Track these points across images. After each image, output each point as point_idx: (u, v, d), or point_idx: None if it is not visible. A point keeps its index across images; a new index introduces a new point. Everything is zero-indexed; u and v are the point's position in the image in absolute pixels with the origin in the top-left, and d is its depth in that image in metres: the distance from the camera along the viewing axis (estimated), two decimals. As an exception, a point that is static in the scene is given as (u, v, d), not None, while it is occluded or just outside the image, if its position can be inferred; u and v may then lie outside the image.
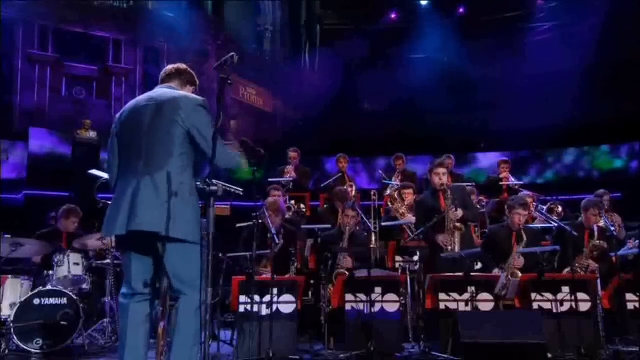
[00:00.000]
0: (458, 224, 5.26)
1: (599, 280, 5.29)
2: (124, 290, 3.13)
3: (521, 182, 8.66)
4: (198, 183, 2.70)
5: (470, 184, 8.01)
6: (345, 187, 7.61)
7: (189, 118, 3.03)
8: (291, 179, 7.98)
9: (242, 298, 4.74)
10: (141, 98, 3.24)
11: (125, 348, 3.02)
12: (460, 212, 5.29)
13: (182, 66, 3.39)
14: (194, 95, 3.23)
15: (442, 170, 5.46)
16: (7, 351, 4.95)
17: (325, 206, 7.79)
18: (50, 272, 5.42)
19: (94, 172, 4.26)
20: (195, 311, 2.95)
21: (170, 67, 3.39)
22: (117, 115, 3.27)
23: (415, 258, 5.48)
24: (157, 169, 2.98)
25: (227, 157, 3.02)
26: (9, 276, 5.37)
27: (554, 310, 4.90)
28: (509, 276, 5.08)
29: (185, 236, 2.94)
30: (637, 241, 6.12)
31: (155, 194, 2.93)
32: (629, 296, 5.26)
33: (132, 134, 3.12)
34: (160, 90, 3.24)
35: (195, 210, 3.00)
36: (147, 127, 3.08)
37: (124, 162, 3.13)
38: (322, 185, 8.45)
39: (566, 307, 4.93)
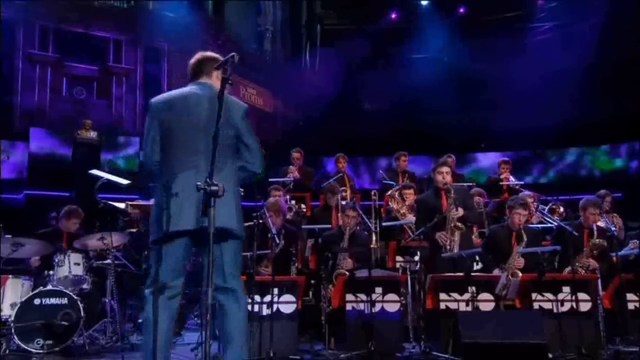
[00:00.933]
0: (459, 224, 5.27)
1: (599, 280, 5.29)
2: (159, 285, 3.11)
3: (521, 182, 8.65)
4: (199, 183, 2.69)
5: (471, 183, 8.02)
6: (334, 182, 7.57)
7: (239, 123, 3.18)
8: (292, 179, 7.98)
9: (243, 298, 4.74)
10: (187, 93, 3.20)
11: (157, 342, 3.04)
12: (461, 211, 5.29)
13: (200, 58, 3.34)
14: (241, 102, 3.32)
15: (445, 169, 5.47)
16: (7, 351, 4.95)
17: (325, 204, 7.79)
18: (51, 272, 5.42)
19: (95, 172, 4.27)
20: (246, 310, 3.21)
21: (192, 64, 3.34)
22: (161, 103, 3.21)
23: (416, 258, 5.47)
24: (220, 169, 3.02)
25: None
26: (10, 276, 5.36)
27: (555, 310, 4.91)
28: (510, 276, 5.08)
29: (242, 235, 3.16)
30: (637, 242, 6.13)
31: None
32: (630, 296, 5.26)
33: (187, 129, 3.11)
34: (207, 89, 3.22)
35: None
36: (205, 126, 3.08)
37: (179, 155, 3.08)
38: (322, 186, 8.43)
39: (567, 307, 4.93)
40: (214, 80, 3.29)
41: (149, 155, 3.20)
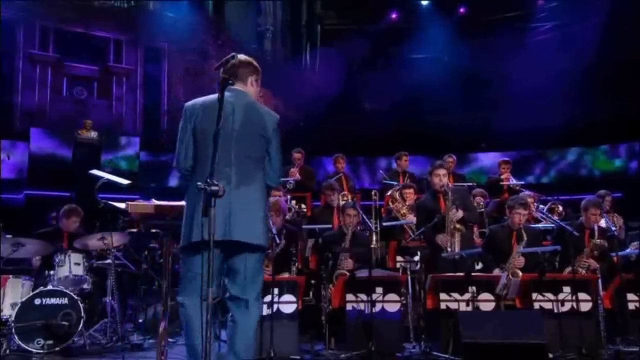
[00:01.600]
0: (458, 225, 5.26)
1: (599, 280, 5.29)
2: (198, 292, 3.00)
3: (522, 183, 8.66)
4: (199, 183, 2.67)
5: (472, 183, 8.01)
6: (333, 181, 7.56)
7: (270, 136, 3.10)
8: (292, 181, 7.97)
9: (243, 298, 4.74)
10: (217, 98, 2.88)
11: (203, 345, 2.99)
12: (460, 213, 5.29)
13: (238, 61, 3.12)
14: (274, 113, 3.20)
15: (442, 171, 5.46)
16: (8, 351, 4.95)
17: (326, 204, 7.78)
18: (51, 272, 5.42)
19: (95, 172, 4.26)
20: (256, 326, 3.12)
21: (229, 65, 3.06)
22: (195, 108, 3.09)
23: (416, 258, 5.48)
24: (250, 182, 3.02)
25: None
26: (10, 276, 5.37)
27: (555, 310, 4.91)
28: (510, 276, 5.07)
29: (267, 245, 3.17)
30: (638, 243, 6.13)
31: (252, 207, 3.01)
32: (630, 296, 5.26)
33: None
34: (241, 96, 3.09)
35: None
36: (237, 135, 3.02)
37: (206, 163, 2.87)
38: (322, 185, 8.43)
39: (567, 307, 4.93)
40: (249, 86, 3.19)
41: (181, 161, 3.11)
